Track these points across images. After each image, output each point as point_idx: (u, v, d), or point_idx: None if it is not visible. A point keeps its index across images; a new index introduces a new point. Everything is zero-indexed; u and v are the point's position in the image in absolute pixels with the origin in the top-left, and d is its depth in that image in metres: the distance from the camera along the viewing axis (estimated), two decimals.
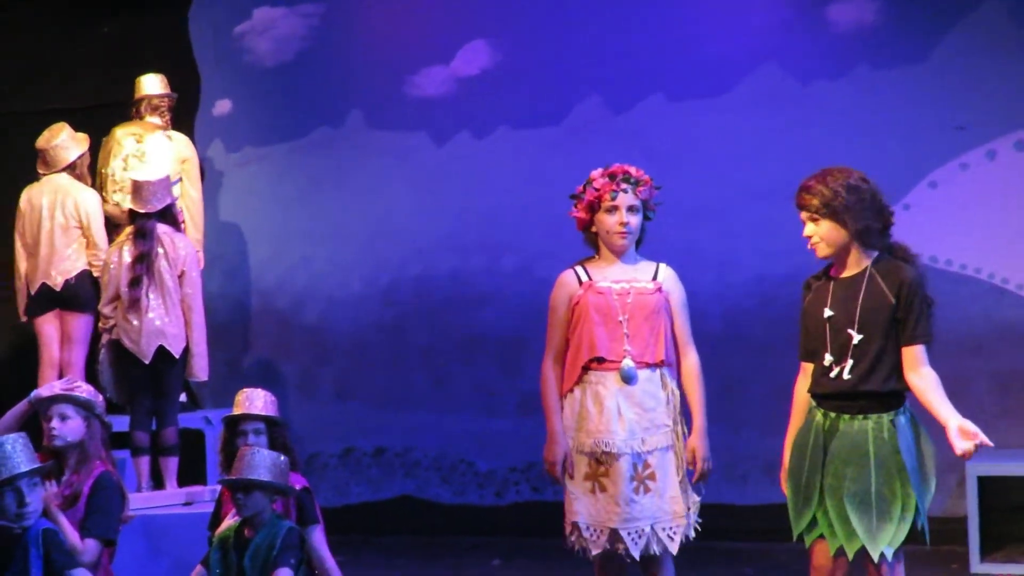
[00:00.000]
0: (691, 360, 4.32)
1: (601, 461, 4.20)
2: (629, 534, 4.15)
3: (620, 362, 4.20)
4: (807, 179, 3.93)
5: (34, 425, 4.72)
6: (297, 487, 4.68)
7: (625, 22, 6.97)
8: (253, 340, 7.59)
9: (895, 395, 3.84)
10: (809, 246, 3.94)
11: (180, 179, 6.83)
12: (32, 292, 6.46)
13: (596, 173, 4.34)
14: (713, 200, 6.80)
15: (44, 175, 6.49)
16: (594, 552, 4.23)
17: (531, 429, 7.13)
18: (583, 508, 4.24)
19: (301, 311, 7.52)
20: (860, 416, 3.82)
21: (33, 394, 4.66)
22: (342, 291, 7.43)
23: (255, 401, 4.82)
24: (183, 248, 5.89)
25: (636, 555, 4.17)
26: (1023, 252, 6.33)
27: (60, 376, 6.23)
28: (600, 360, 4.22)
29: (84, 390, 4.61)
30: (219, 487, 4.97)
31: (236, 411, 4.83)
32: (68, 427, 4.51)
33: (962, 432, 3.68)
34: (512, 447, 7.12)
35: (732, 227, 6.77)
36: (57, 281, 6.39)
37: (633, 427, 4.17)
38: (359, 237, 7.41)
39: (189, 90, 7.41)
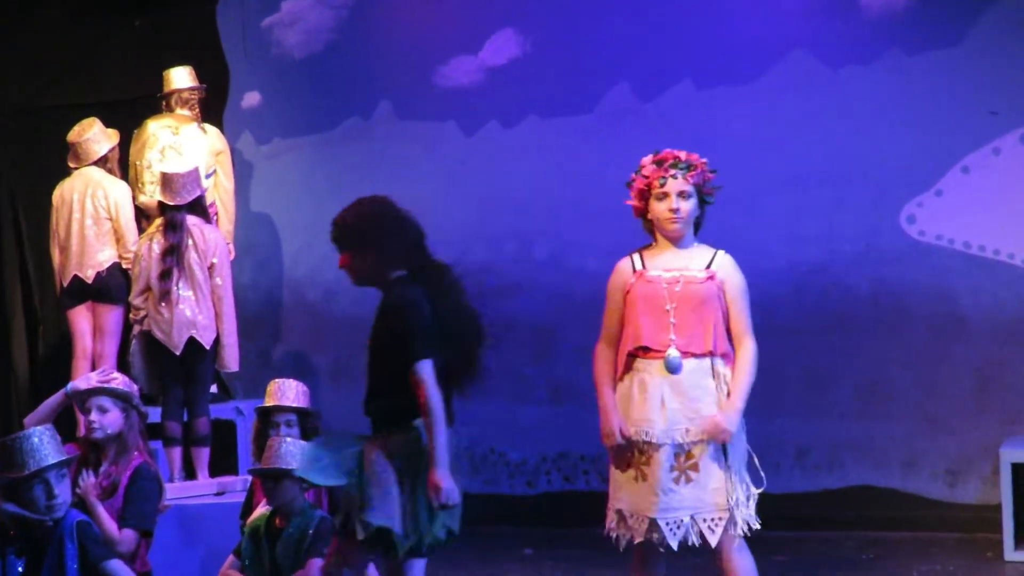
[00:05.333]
0: (745, 349, 4.17)
1: (642, 450, 4.14)
2: (667, 524, 4.09)
3: (665, 351, 4.13)
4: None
5: (63, 416, 4.76)
6: None
7: (653, 9, 6.93)
8: (285, 331, 7.62)
9: None
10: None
11: (214, 171, 6.87)
12: (64, 285, 6.53)
13: (646, 160, 4.25)
14: (743, 187, 6.74)
15: (75, 168, 6.56)
16: (636, 540, 4.16)
17: (562, 418, 7.14)
18: (626, 496, 4.18)
19: (332, 302, 7.53)
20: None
21: (70, 386, 4.70)
22: None
23: (287, 392, 4.85)
24: (213, 239, 5.91)
25: (674, 545, 4.10)
26: None
27: (93, 368, 6.29)
28: (646, 349, 4.16)
29: (121, 381, 4.65)
30: (250, 477, 5.00)
31: (268, 402, 4.86)
32: (108, 419, 4.55)
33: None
34: (543, 436, 7.12)
35: (763, 214, 6.74)
36: (88, 274, 6.45)
37: (676, 417, 4.10)
38: None
39: (218, 83, 7.43)
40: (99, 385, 4.60)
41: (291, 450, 4.37)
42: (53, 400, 4.74)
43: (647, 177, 4.21)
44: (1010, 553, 5.79)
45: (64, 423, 4.87)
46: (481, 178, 7.23)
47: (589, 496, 7.02)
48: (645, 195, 4.23)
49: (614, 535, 4.23)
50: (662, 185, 4.18)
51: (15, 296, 7.84)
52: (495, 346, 7.14)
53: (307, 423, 4.82)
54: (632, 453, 4.18)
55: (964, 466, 6.39)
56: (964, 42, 6.41)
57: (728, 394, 4.16)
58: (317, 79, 7.51)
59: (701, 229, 4.30)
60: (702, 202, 4.25)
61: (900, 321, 6.51)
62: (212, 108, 7.22)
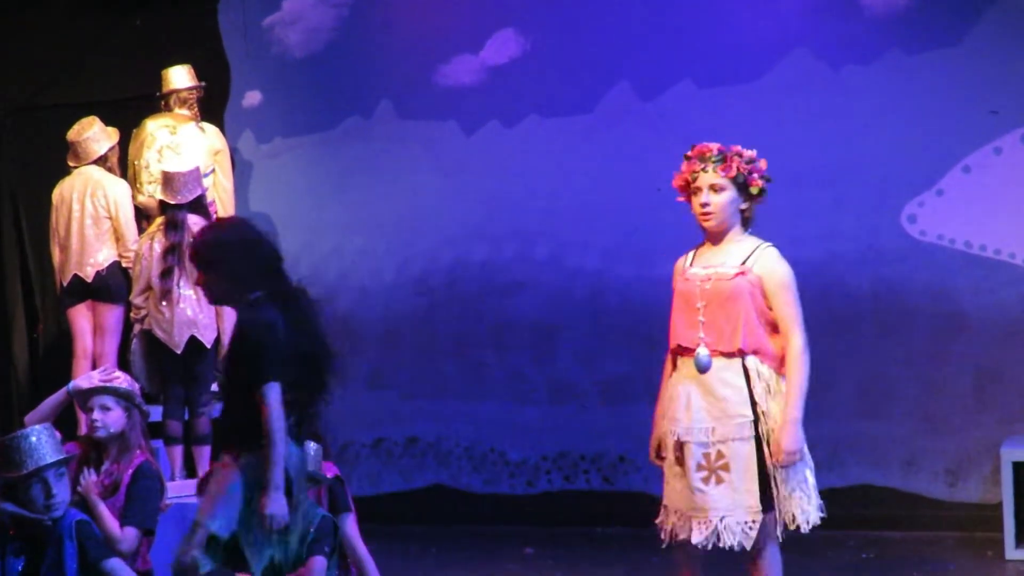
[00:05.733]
0: (791, 345, 4.04)
1: (678, 449, 4.12)
2: (699, 523, 4.05)
3: (695, 350, 4.08)
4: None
5: (64, 415, 4.76)
6: (329, 476, 4.70)
7: (654, 8, 6.93)
8: None
9: None
10: None
11: (213, 170, 6.87)
12: (64, 284, 6.53)
13: (686, 155, 4.19)
14: None
15: (74, 167, 6.56)
16: (681, 536, 4.13)
17: (563, 418, 7.14)
18: (670, 492, 4.17)
19: (333, 301, 7.50)
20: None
21: (71, 385, 4.70)
22: (374, 281, 7.44)
23: None
24: None
25: (708, 546, 4.05)
26: None
27: (93, 366, 6.29)
28: (682, 348, 4.12)
29: (123, 380, 4.65)
30: None
31: None
32: (110, 418, 4.54)
33: None
34: (544, 436, 7.11)
35: (764, 213, 6.65)
36: (88, 273, 6.45)
37: (701, 416, 4.05)
38: (390, 227, 7.42)
39: (219, 82, 7.43)
40: (101, 384, 4.60)
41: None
42: (54, 399, 4.73)
43: (683, 172, 4.16)
44: (1011, 552, 5.80)
45: (65, 422, 4.87)
46: (481, 177, 7.23)
47: (589, 495, 7.03)
48: (686, 191, 4.18)
49: (662, 531, 4.20)
50: (694, 180, 4.12)
51: (16, 295, 7.84)
52: (495, 345, 7.22)
53: None
54: (675, 452, 4.14)
55: (965, 465, 6.39)
56: (965, 42, 6.40)
57: (760, 396, 4.08)
58: (318, 78, 7.51)
59: (753, 223, 4.21)
60: (750, 195, 4.15)
61: (901, 320, 6.51)
62: (213, 107, 7.22)
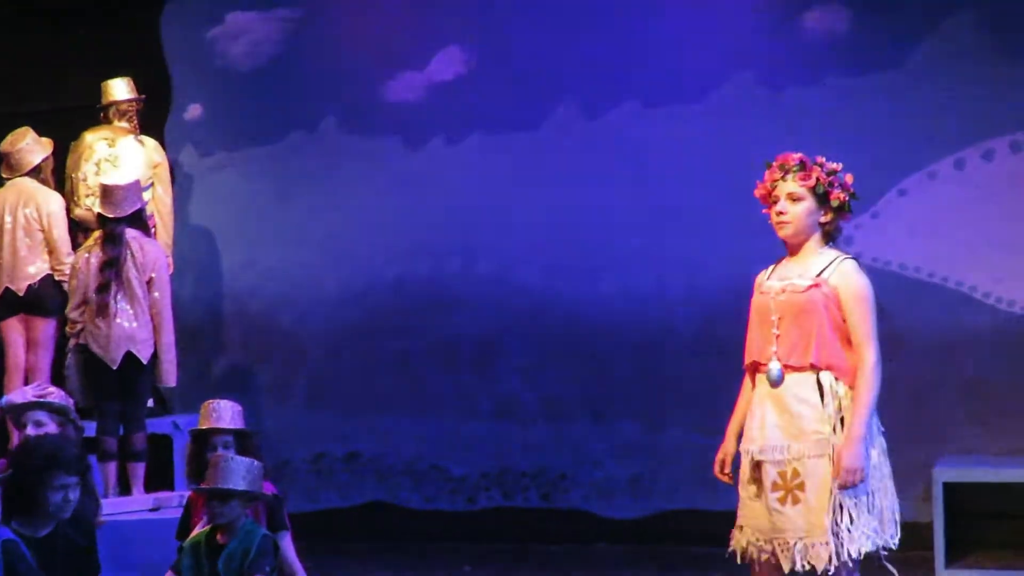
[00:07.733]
0: (862, 360, 3.95)
1: (754, 467, 4.02)
2: (779, 545, 3.95)
3: (768, 364, 4.00)
4: None
5: None
6: (267, 493, 4.68)
7: (600, 29, 6.99)
8: (225, 345, 7.57)
9: None
10: None
11: (152, 184, 6.82)
12: None
13: (767, 164, 4.12)
14: (686, 205, 6.82)
15: (8, 179, 6.48)
16: (760, 556, 4.02)
17: (504, 435, 7.15)
18: (746, 512, 4.06)
19: (274, 316, 7.50)
20: None
21: (4, 400, 4.65)
22: (316, 296, 7.42)
23: (223, 414, 4.78)
24: (152, 253, 5.87)
25: (785, 567, 3.95)
26: (989, 260, 6.37)
27: (26, 381, 6.21)
28: (757, 364, 4.05)
29: (57, 395, 4.61)
30: (187, 493, 4.95)
31: (203, 424, 4.80)
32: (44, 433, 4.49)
33: None
34: (484, 453, 7.12)
35: (705, 232, 6.80)
36: (20, 286, 6.37)
37: (776, 434, 3.95)
38: (333, 242, 7.41)
39: (160, 94, 7.38)
40: (35, 399, 4.55)
41: (236, 468, 4.33)
42: None
43: (764, 181, 4.09)
44: (941, 572, 5.87)
45: None
46: (425, 194, 7.23)
47: (528, 513, 7.05)
48: (767, 201, 4.10)
49: (736, 551, 4.10)
50: (774, 189, 4.05)
51: None
52: (438, 362, 7.21)
53: (244, 443, 4.77)
54: (751, 471, 4.04)
55: (897, 484, 6.42)
56: (903, 67, 6.52)
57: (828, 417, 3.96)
58: (262, 92, 7.48)
59: (834, 237, 4.11)
60: (830, 208, 4.05)
61: None
62: (153, 119, 7.16)
